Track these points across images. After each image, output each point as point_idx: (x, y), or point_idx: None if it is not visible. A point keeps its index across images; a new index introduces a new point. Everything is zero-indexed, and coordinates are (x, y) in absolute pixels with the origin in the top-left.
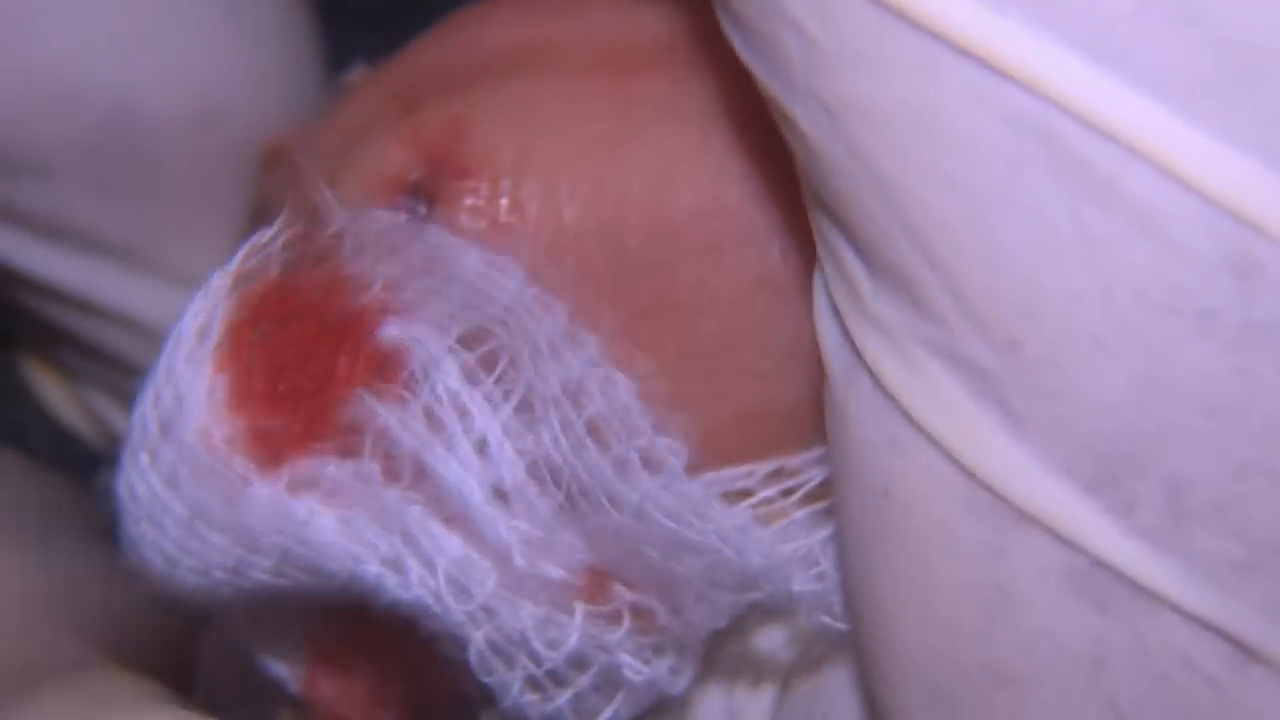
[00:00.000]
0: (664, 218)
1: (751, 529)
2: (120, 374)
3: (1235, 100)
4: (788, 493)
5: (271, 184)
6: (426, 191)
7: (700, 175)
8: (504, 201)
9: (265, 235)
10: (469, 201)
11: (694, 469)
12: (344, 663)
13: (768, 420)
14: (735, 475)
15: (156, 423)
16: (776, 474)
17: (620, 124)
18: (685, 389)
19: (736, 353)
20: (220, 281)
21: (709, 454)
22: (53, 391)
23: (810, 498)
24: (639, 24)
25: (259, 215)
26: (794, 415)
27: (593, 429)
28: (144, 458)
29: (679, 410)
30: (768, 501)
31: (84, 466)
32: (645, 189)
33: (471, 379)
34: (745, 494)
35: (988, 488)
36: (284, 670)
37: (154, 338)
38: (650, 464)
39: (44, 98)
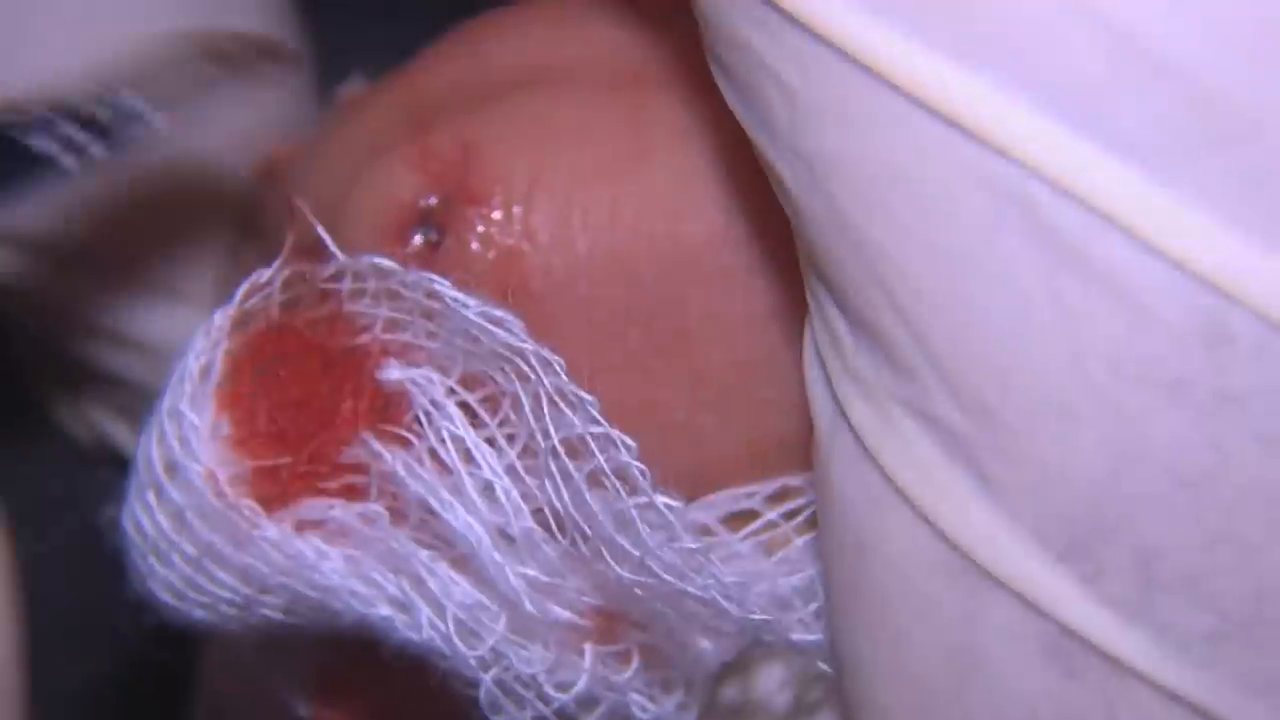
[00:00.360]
0: (676, 245)
1: (750, 584)
2: (112, 388)
3: (1211, 164)
4: (791, 515)
5: (265, 198)
6: (438, 218)
7: (713, 202)
8: (517, 228)
9: (265, 274)
10: (481, 228)
11: (702, 496)
12: (353, 690)
13: (778, 449)
14: (738, 496)
15: (161, 463)
16: (780, 495)
17: (634, 147)
18: (695, 417)
19: (747, 382)
20: (221, 320)
21: (717, 482)
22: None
23: (812, 524)
24: (654, 44)
25: (253, 230)
26: (804, 445)
27: (593, 482)
28: (150, 497)
29: (689, 439)
30: (771, 525)
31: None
32: (658, 215)
33: (474, 422)
34: (750, 516)
35: (960, 551)
36: (293, 696)
37: (143, 352)
38: (649, 521)
39: None
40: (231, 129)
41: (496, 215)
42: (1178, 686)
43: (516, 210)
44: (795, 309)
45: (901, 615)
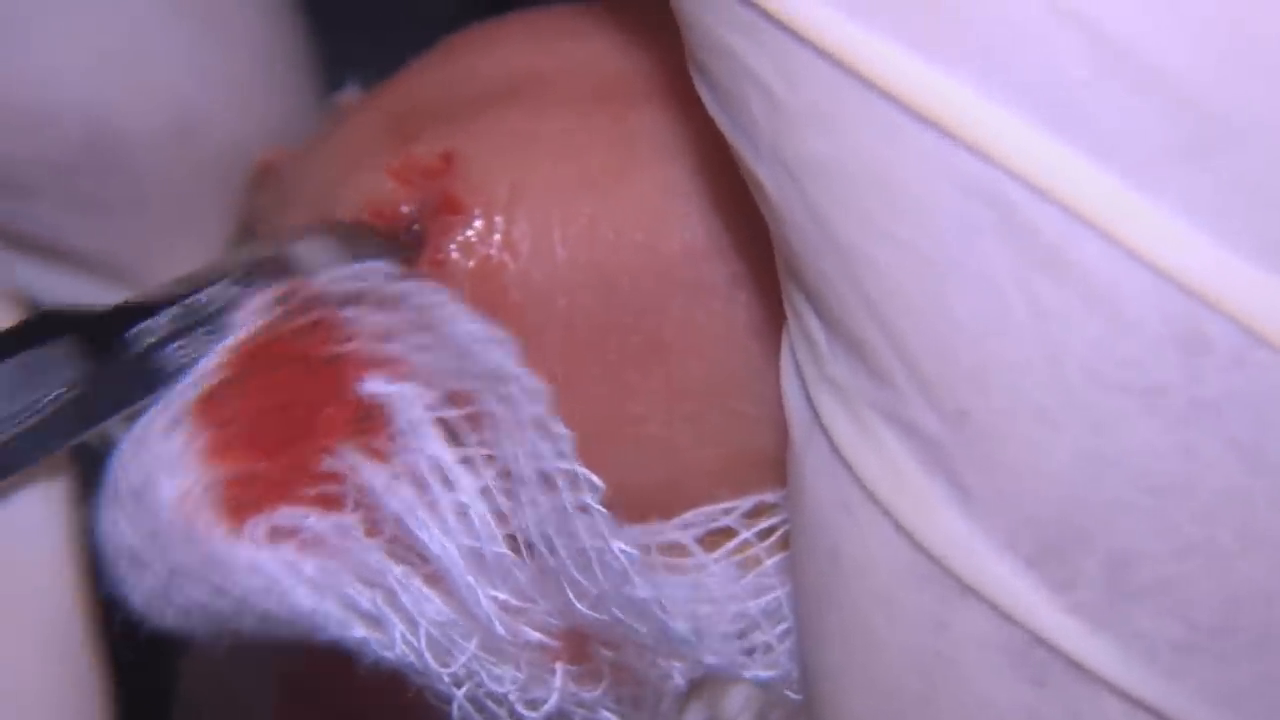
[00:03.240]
0: (656, 257)
1: (708, 618)
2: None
3: (1192, 171)
4: (765, 534)
5: (260, 203)
6: (419, 226)
7: (693, 215)
8: (497, 239)
9: (258, 294)
10: (461, 238)
11: (679, 508)
12: (320, 695)
13: (754, 463)
14: (715, 513)
15: (133, 485)
16: (756, 512)
17: (616, 159)
18: (672, 430)
19: (725, 396)
20: (221, 355)
21: (695, 495)
22: None
23: (784, 543)
24: (637, 56)
25: (245, 233)
26: (780, 460)
27: (559, 520)
28: (122, 514)
29: (666, 451)
30: (746, 545)
31: None
32: (638, 228)
33: (453, 439)
34: (726, 534)
35: (933, 557)
36: (260, 703)
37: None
38: (607, 565)
39: (21, 119)
40: (230, 135)
41: (477, 225)
42: (1144, 696)
43: (497, 220)
44: (774, 323)
45: (872, 621)
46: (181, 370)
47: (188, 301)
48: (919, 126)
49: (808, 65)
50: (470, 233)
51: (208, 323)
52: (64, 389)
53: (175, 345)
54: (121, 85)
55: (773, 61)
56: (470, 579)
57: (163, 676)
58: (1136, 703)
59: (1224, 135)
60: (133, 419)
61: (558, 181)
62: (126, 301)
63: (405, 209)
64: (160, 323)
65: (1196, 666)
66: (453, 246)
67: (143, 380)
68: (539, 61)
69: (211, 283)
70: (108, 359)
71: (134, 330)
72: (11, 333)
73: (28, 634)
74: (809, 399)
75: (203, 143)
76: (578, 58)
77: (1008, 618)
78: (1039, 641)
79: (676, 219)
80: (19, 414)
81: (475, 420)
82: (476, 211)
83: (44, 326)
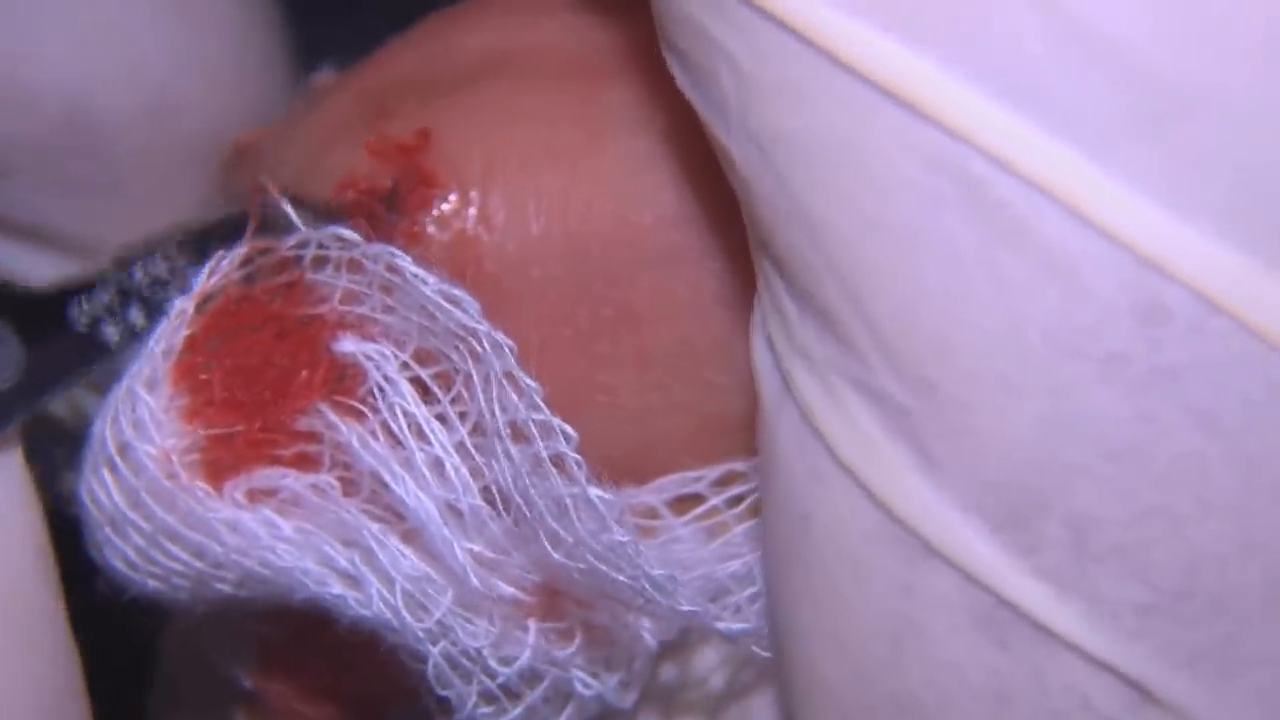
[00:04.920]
0: (627, 228)
1: (679, 576)
2: None
3: (1148, 143)
4: (734, 502)
5: (235, 183)
6: (394, 200)
7: (665, 186)
8: (472, 212)
9: (226, 255)
10: (436, 211)
11: (649, 475)
12: (297, 661)
13: (724, 431)
14: (686, 480)
15: (115, 443)
16: (726, 479)
17: (588, 133)
18: (643, 398)
19: (695, 364)
20: (184, 305)
21: (665, 462)
22: None
23: (753, 511)
24: (610, 33)
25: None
26: (750, 428)
27: (533, 468)
28: (105, 474)
29: (637, 418)
30: (715, 511)
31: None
32: (610, 199)
33: (427, 398)
34: (696, 500)
35: (899, 522)
36: (238, 666)
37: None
38: (584, 509)
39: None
40: (206, 115)
41: (452, 199)
42: (1107, 657)
43: (472, 194)
44: (744, 293)
45: (841, 584)
46: (124, 343)
47: (120, 278)
48: (885, 102)
49: (776, 42)
50: (446, 206)
51: (151, 293)
52: (7, 369)
53: (111, 322)
54: (100, 67)
55: (742, 38)
56: (445, 532)
57: (142, 650)
58: (1100, 664)
59: (1177, 107)
60: (75, 391)
61: (531, 155)
62: (66, 279)
63: (381, 184)
64: (100, 298)
65: (1158, 628)
66: (429, 220)
67: (82, 355)
68: (513, 39)
69: (149, 254)
70: (50, 337)
71: (75, 307)
72: None
73: None
74: (780, 368)
75: (180, 124)
76: (551, 36)
77: (973, 581)
78: (1003, 604)
79: (648, 191)
80: None
81: (447, 378)
82: (452, 185)
83: None
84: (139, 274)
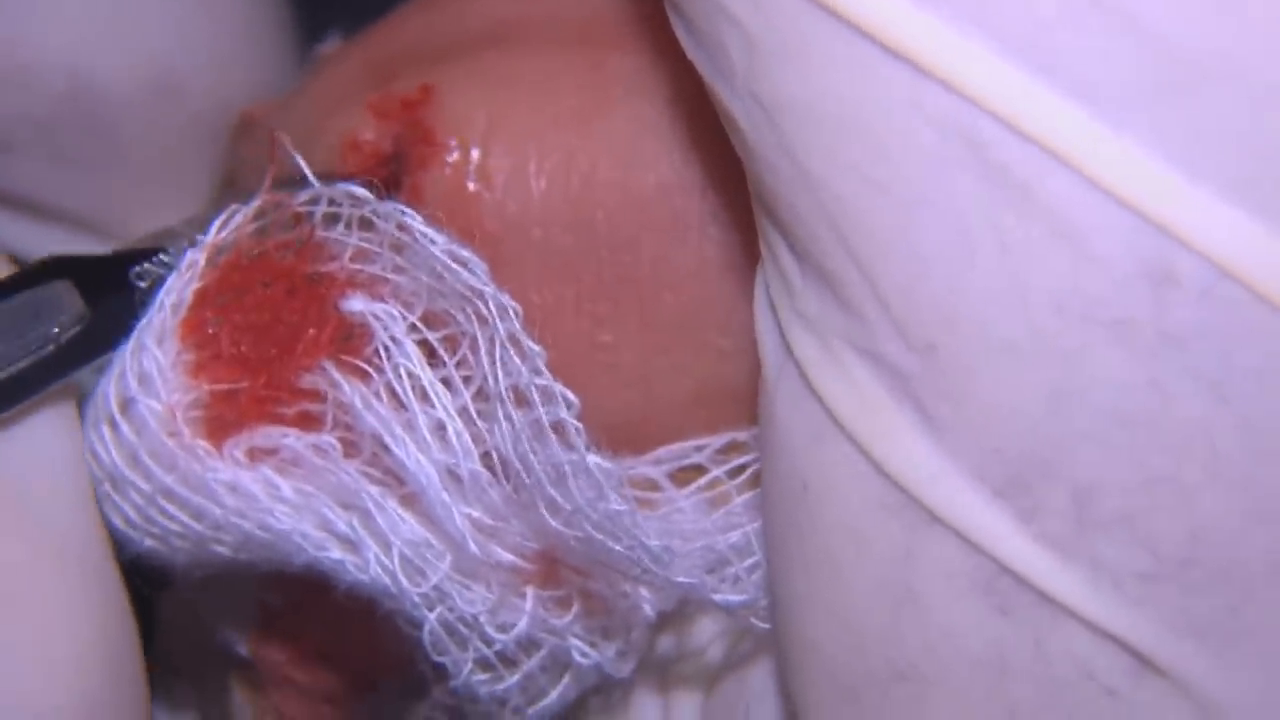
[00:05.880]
0: (630, 192)
1: (680, 550)
2: None
3: (1164, 110)
4: (735, 472)
5: (243, 155)
6: (397, 159)
7: (667, 152)
8: (473, 170)
9: (239, 208)
10: (438, 170)
11: (651, 442)
12: (293, 627)
13: (726, 397)
14: (687, 450)
15: (118, 399)
16: (728, 449)
17: (591, 99)
18: (645, 361)
19: (697, 329)
20: (194, 259)
21: (667, 428)
22: None
23: (754, 481)
24: (615, 1)
25: (229, 186)
26: (752, 396)
27: (534, 434)
28: (105, 431)
29: (639, 383)
30: (716, 482)
31: None
32: (613, 163)
33: (432, 360)
34: (698, 470)
35: (900, 488)
36: (234, 633)
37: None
38: (581, 479)
39: (4, 77)
40: (211, 91)
41: (454, 156)
42: (1108, 624)
43: (474, 152)
44: (747, 259)
45: (840, 550)
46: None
47: (185, 244)
48: (893, 63)
49: (783, 3)
50: (447, 164)
51: None
52: (69, 325)
53: None
54: (103, 42)
55: (749, 2)
56: (445, 496)
57: (139, 617)
58: (1101, 631)
59: (1195, 75)
60: None
61: (535, 117)
62: (131, 243)
63: (384, 144)
64: (157, 265)
65: (1161, 596)
66: (430, 177)
67: (139, 318)
68: (518, 8)
69: (209, 227)
70: (108, 298)
71: (133, 272)
72: (20, 274)
73: (48, 554)
74: (782, 332)
75: (184, 100)
76: (557, 3)
77: (975, 547)
78: (1005, 571)
79: (651, 156)
80: (29, 346)
81: (453, 342)
82: (453, 143)
83: (50, 270)
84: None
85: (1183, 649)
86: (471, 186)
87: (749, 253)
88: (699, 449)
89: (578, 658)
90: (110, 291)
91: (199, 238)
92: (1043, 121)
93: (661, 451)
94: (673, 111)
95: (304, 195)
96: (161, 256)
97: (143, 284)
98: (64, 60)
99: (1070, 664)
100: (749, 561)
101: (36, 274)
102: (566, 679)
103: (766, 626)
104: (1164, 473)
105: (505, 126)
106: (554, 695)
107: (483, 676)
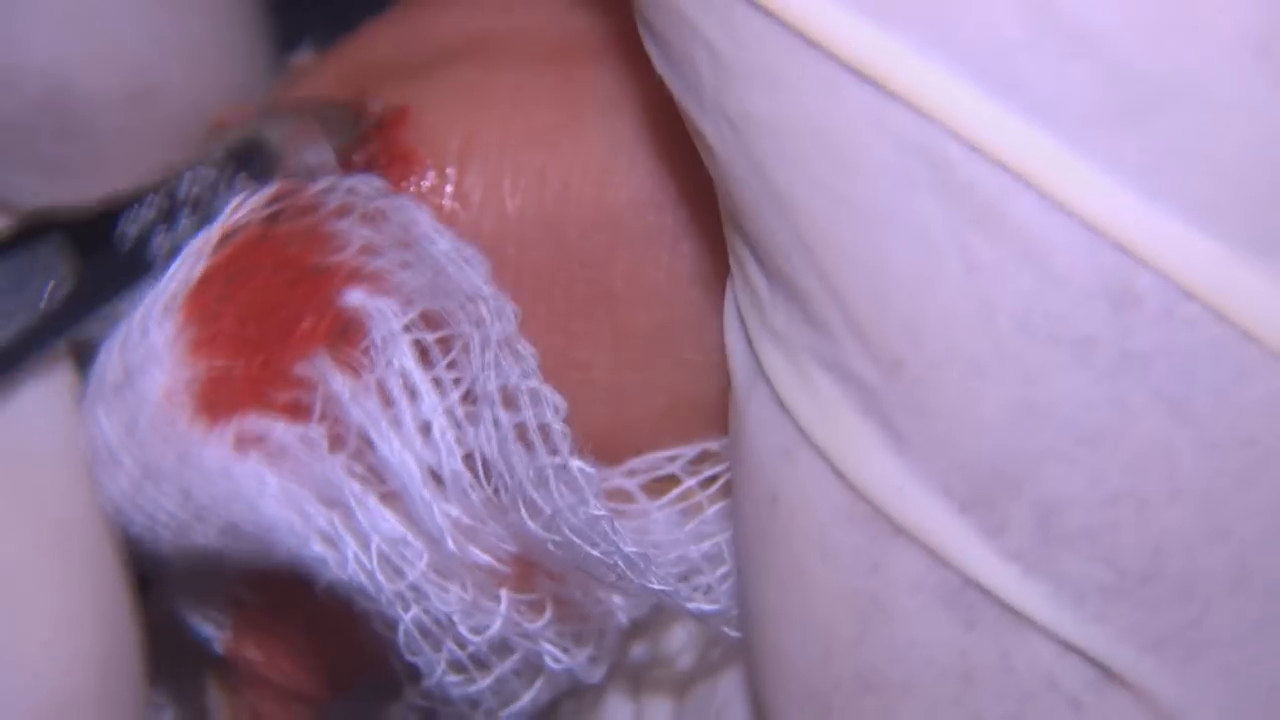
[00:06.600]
0: (603, 209)
1: (653, 555)
2: None
3: (1124, 132)
4: (708, 483)
5: None
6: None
7: (640, 168)
8: (448, 189)
9: (251, 195)
10: (413, 189)
11: (624, 455)
12: (269, 627)
13: (698, 410)
14: (660, 460)
15: (121, 369)
16: (699, 460)
17: (565, 115)
18: (618, 377)
19: (670, 344)
20: (205, 239)
21: (640, 441)
22: None
23: (727, 491)
24: (588, 16)
25: None
26: (724, 408)
27: (519, 437)
28: (105, 401)
29: (611, 398)
30: (689, 493)
31: None
32: (586, 180)
33: (425, 360)
34: (671, 481)
35: (868, 501)
36: (210, 631)
37: None
38: (564, 482)
39: None
40: (186, 97)
41: (430, 176)
42: (1073, 638)
43: (449, 171)
44: (718, 273)
45: (809, 563)
46: (169, 257)
47: (169, 189)
48: (859, 84)
49: (752, 23)
50: (423, 184)
51: (191, 207)
52: (56, 285)
53: (161, 233)
54: (80, 47)
55: (719, 22)
56: (426, 494)
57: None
58: (1065, 644)
59: (1154, 97)
60: (122, 309)
61: (509, 134)
62: (111, 196)
63: (358, 160)
64: (145, 213)
65: (1124, 611)
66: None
67: (132, 270)
68: (492, 23)
69: (191, 168)
70: (97, 253)
71: (120, 223)
72: (9, 233)
73: (43, 526)
74: (751, 347)
75: (160, 105)
76: (530, 19)
77: (940, 560)
78: (970, 584)
79: (623, 172)
80: (15, 311)
81: (447, 344)
82: (429, 163)
83: (33, 227)
84: (186, 184)
85: (1145, 662)
86: (448, 205)
87: (720, 268)
88: (671, 460)
89: (550, 663)
90: (98, 245)
91: (181, 188)
92: (1005, 142)
93: (635, 463)
94: (645, 127)
95: (315, 188)
96: (146, 206)
97: (129, 240)
98: (39, 64)
99: (1035, 676)
100: (721, 570)
101: (25, 232)
102: (539, 683)
103: (737, 635)
104: (1126, 489)
105: (479, 145)
106: (526, 699)
107: (456, 678)
